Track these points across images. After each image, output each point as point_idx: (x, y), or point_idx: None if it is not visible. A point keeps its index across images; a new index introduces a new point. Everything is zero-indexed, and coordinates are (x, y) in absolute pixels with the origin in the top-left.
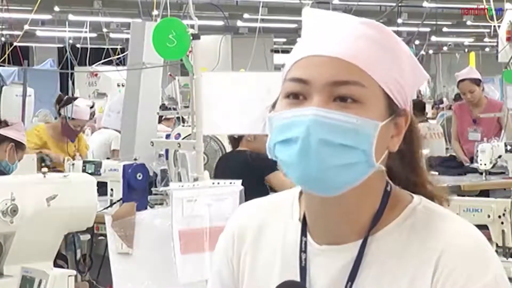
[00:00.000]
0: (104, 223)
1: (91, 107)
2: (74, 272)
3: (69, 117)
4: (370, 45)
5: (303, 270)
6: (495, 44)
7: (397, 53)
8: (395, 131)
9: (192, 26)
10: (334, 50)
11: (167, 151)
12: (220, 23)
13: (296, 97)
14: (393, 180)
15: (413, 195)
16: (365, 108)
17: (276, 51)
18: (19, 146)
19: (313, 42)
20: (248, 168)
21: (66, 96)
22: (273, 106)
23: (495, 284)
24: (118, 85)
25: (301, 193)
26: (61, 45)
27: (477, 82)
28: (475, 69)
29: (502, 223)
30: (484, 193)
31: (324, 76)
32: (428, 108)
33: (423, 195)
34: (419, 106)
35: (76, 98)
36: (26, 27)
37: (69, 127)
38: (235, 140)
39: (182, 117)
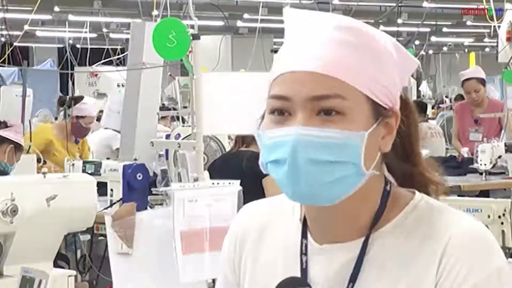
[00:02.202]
0: (104, 223)
1: None
2: (74, 272)
3: (78, 116)
4: (347, 52)
5: (304, 272)
6: (495, 44)
7: (376, 52)
8: (386, 131)
9: (192, 26)
10: (311, 64)
11: (167, 151)
12: (220, 23)
13: (280, 113)
14: (392, 174)
15: (415, 191)
16: (349, 119)
17: (276, 51)
18: (17, 147)
19: (290, 56)
20: (249, 166)
21: (69, 96)
22: (262, 117)
23: (498, 274)
24: (118, 85)
25: None
26: (61, 45)
27: (483, 81)
28: (475, 68)
29: (502, 223)
30: (484, 193)
31: (304, 92)
32: (428, 108)
33: (420, 184)
34: (420, 106)
35: (82, 97)
36: (26, 27)
37: (80, 125)
38: (243, 139)
39: (182, 117)
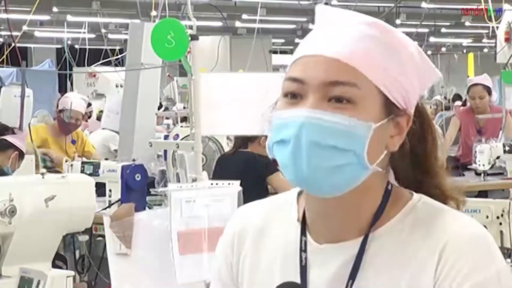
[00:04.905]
0: (103, 224)
1: (87, 106)
2: (72, 273)
3: (61, 110)
4: (368, 45)
5: (303, 269)
6: (493, 45)
7: (398, 52)
8: (395, 131)
9: (191, 27)
10: (330, 50)
11: (165, 151)
12: (218, 23)
13: (293, 96)
14: (401, 182)
15: (413, 192)
16: (359, 109)
17: (275, 52)
18: (20, 155)
19: (311, 41)
20: (250, 167)
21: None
22: (276, 103)
23: (497, 277)
24: (117, 86)
25: (299, 193)
26: (59, 46)
27: (489, 90)
28: (484, 75)
29: (500, 224)
30: (483, 194)
31: (319, 76)
32: (427, 109)
33: (436, 197)
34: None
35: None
36: (25, 27)
37: (63, 120)
38: (245, 140)
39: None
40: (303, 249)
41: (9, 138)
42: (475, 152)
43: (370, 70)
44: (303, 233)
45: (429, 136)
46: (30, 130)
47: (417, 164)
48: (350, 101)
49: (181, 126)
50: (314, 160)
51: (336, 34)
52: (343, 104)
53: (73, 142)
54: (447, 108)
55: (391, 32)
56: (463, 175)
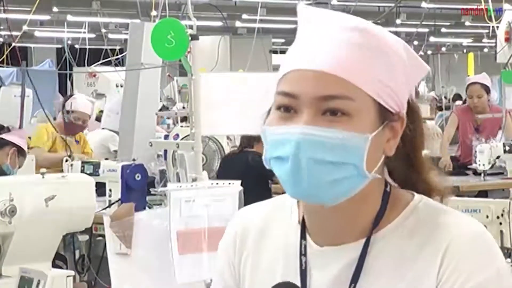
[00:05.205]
0: (103, 224)
1: None
2: (72, 272)
3: (68, 111)
4: (357, 54)
5: (303, 273)
6: (493, 44)
7: (387, 55)
8: (391, 135)
9: (191, 27)
10: (320, 63)
11: (165, 151)
12: (218, 23)
13: (287, 110)
14: (394, 179)
15: (414, 193)
16: (355, 121)
17: (275, 52)
18: (20, 152)
19: (299, 54)
20: (252, 166)
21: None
22: (269, 112)
23: (498, 276)
24: (117, 86)
25: None
26: (59, 46)
27: (487, 89)
28: (482, 74)
29: (500, 223)
30: (483, 193)
31: (311, 91)
32: (427, 108)
33: (422, 191)
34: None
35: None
36: (25, 27)
37: (70, 121)
38: (250, 140)
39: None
40: (303, 253)
41: (5, 136)
42: (475, 152)
43: (361, 80)
44: (303, 236)
45: (417, 132)
46: (51, 123)
47: (405, 160)
48: (345, 113)
49: (181, 126)
50: (314, 176)
51: (322, 44)
52: (337, 117)
53: (76, 142)
54: (447, 108)
55: (378, 36)
56: (467, 174)
